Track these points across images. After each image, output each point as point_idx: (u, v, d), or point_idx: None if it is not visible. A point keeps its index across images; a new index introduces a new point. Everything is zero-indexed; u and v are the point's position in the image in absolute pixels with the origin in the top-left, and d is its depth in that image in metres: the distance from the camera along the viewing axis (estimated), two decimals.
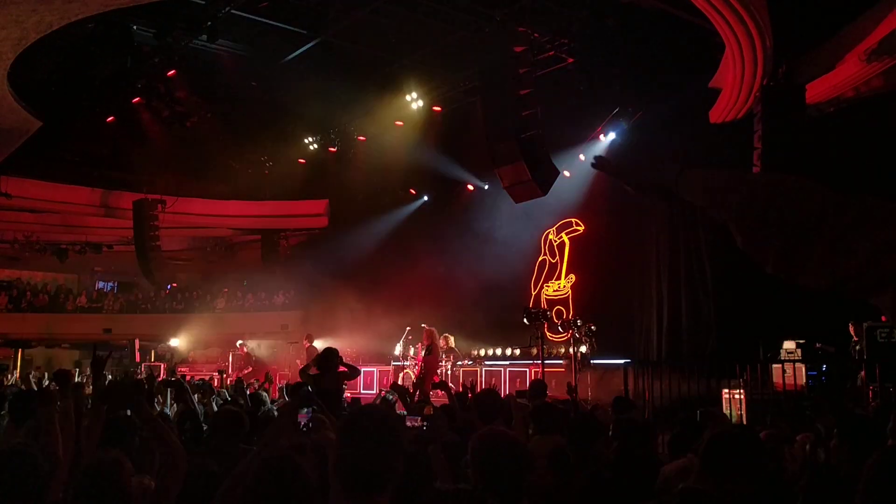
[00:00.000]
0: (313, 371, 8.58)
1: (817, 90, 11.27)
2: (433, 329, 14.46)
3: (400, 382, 15.54)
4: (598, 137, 15.44)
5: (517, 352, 15.99)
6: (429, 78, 15.84)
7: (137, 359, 21.14)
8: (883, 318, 9.68)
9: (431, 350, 14.13)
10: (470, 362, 15.39)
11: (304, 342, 17.83)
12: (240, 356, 18.72)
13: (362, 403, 6.46)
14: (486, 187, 18.14)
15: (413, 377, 15.51)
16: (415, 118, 16.78)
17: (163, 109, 17.06)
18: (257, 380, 11.11)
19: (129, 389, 4.08)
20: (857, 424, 3.80)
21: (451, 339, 15.71)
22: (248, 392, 8.31)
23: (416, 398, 11.46)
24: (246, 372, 17.35)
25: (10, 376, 12.94)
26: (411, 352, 15.94)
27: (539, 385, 7.41)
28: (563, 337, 15.21)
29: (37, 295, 24.37)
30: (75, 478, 3.15)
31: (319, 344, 18.06)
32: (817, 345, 10.75)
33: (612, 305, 15.19)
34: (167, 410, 7.16)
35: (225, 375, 14.31)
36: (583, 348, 13.06)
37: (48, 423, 4.00)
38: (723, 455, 2.90)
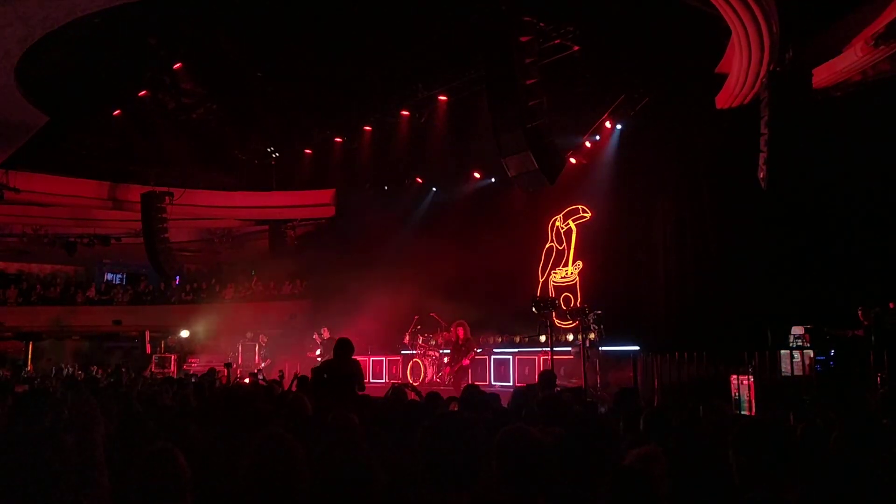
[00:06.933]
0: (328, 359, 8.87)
1: (824, 75, 11.22)
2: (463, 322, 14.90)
3: (409, 372, 15.73)
4: (603, 125, 15.44)
5: (525, 339, 16.03)
6: (435, 68, 15.80)
7: (148, 350, 21.28)
8: (891, 305, 9.69)
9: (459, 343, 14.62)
10: (479, 350, 15.42)
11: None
12: (252, 346, 18.86)
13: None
14: (493, 179, 18.15)
15: (422, 366, 15.61)
16: (421, 108, 16.78)
17: (169, 102, 17.12)
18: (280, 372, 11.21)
19: None
20: (861, 420, 3.84)
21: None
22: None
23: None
24: (263, 365, 17.49)
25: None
26: (420, 341, 16.00)
27: (549, 376, 7.46)
28: (571, 324, 15.24)
29: (47, 287, 24.50)
30: None
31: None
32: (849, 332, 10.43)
33: (620, 291, 15.21)
34: None
35: (235, 366, 14.39)
36: (591, 335, 13.08)
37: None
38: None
